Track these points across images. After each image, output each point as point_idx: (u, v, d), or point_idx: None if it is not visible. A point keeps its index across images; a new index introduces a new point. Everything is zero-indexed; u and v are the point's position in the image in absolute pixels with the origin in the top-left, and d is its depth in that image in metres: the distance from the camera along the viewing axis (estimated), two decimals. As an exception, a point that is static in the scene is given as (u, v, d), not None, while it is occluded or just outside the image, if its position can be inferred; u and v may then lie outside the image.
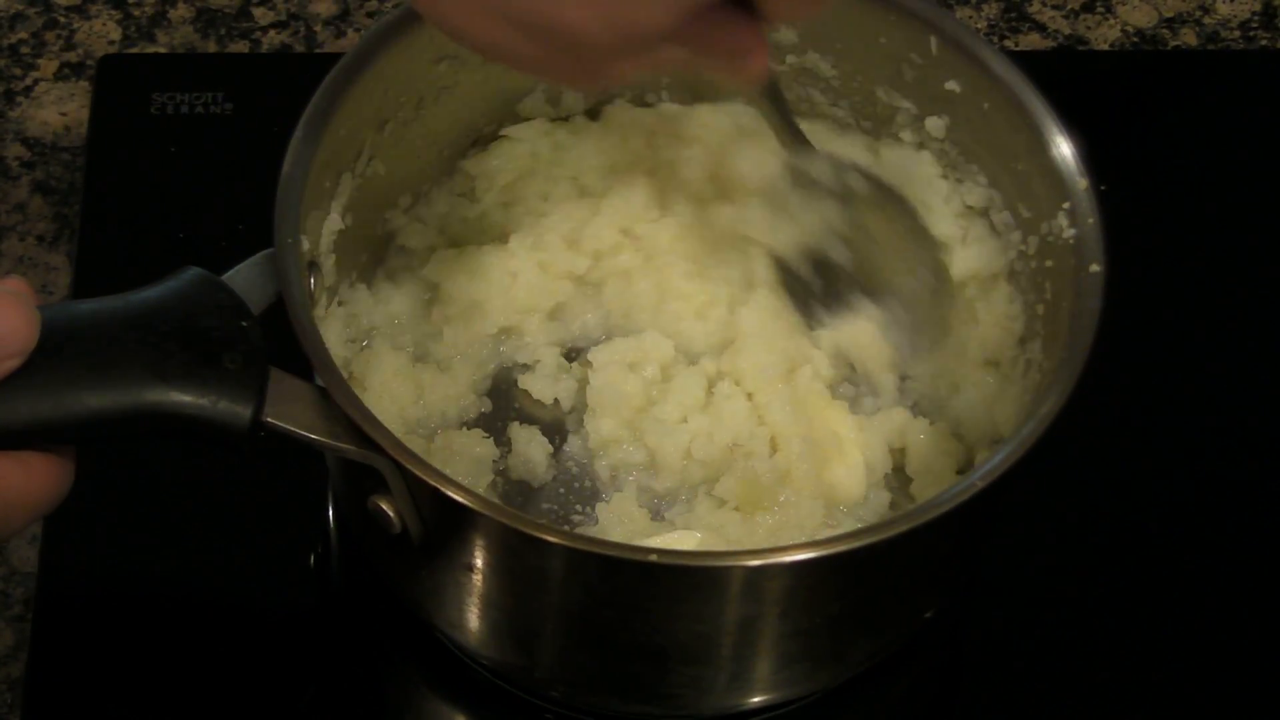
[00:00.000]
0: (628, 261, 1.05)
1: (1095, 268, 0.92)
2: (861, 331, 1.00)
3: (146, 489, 1.02)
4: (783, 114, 0.96)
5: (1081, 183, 0.94)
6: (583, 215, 1.05)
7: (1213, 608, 1.02)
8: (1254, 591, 1.03)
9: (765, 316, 1.03)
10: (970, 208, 1.02)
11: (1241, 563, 1.03)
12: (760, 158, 1.02)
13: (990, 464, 0.87)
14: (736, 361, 1.02)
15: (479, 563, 0.87)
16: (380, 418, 0.85)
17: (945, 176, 1.02)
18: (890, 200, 0.98)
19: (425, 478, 0.84)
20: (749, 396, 1.01)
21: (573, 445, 1.02)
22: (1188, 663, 1.00)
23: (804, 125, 1.00)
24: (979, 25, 1.24)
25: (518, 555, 0.86)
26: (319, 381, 0.86)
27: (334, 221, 0.96)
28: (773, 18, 0.84)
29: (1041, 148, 0.95)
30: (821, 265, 1.00)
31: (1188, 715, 0.99)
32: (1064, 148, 0.95)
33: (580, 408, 1.02)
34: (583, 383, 1.02)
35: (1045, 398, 0.88)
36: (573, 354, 1.05)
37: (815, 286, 1.01)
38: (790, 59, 1.03)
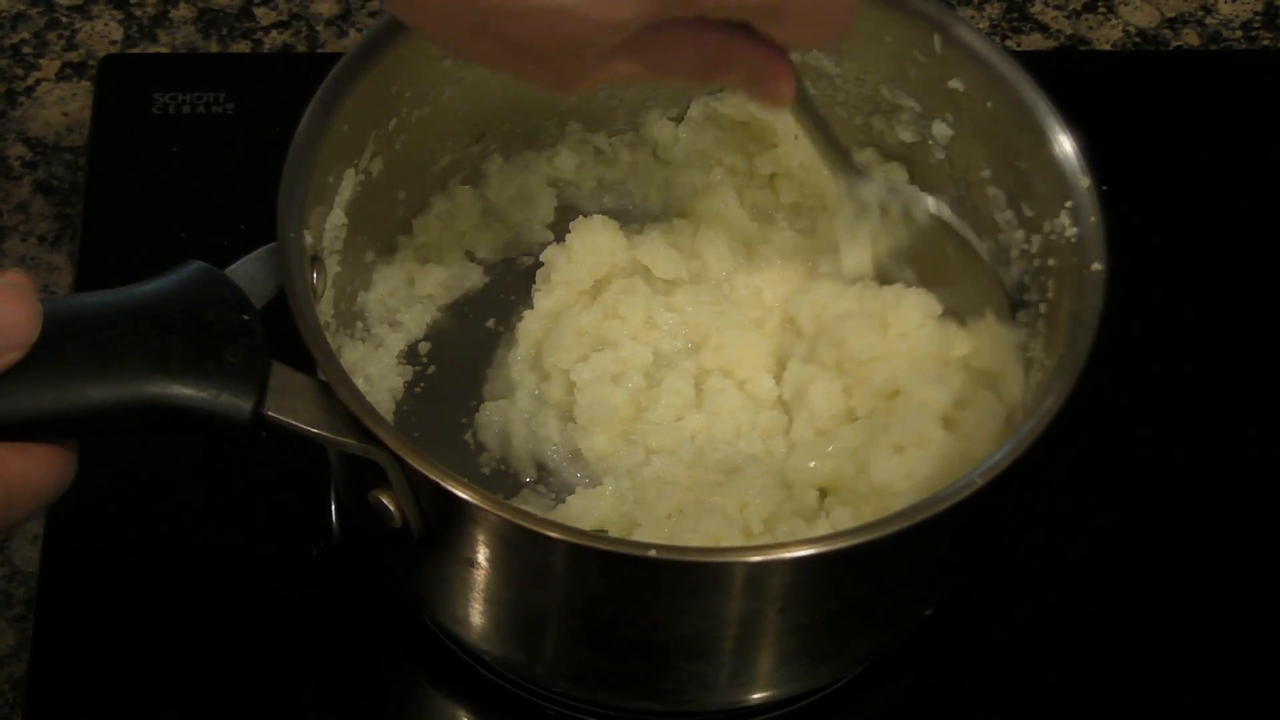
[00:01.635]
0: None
1: (1097, 266, 0.92)
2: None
3: (148, 486, 1.02)
4: (826, 141, 0.97)
5: (1084, 181, 0.94)
6: None
7: (1214, 605, 1.02)
8: (1255, 590, 1.03)
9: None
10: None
11: (1242, 561, 1.03)
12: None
13: (991, 461, 0.87)
14: (721, 356, 1.01)
15: (480, 558, 0.87)
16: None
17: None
18: (943, 227, 1.00)
19: (426, 472, 0.84)
20: (741, 386, 1.01)
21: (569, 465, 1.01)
22: (1189, 660, 1.00)
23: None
24: (981, 25, 1.24)
25: (519, 550, 0.86)
26: (320, 376, 0.86)
27: (337, 217, 0.96)
28: (790, 46, 0.84)
29: (1044, 146, 0.95)
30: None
31: (1188, 714, 0.99)
32: (1066, 146, 0.95)
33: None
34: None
35: (1046, 396, 0.88)
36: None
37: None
38: (793, 56, 1.03)
